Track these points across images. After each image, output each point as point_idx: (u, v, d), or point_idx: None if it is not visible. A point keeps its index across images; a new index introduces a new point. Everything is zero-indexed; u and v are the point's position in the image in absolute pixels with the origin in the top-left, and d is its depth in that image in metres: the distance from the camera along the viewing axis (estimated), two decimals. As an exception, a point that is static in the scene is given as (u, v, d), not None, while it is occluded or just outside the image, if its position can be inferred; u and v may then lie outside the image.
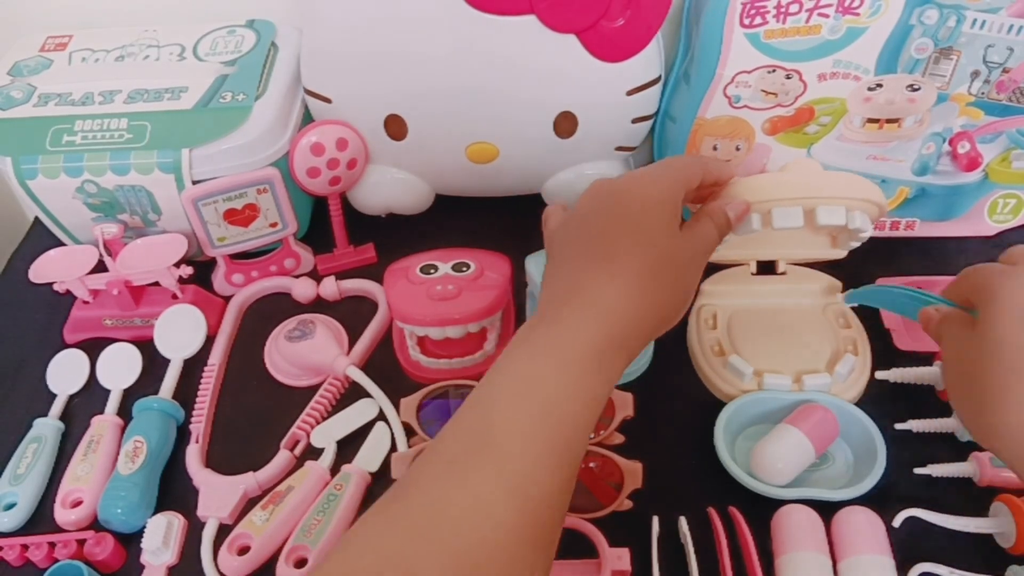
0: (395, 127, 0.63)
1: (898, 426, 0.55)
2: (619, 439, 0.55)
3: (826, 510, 0.49)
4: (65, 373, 0.62)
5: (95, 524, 0.53)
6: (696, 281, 0.45)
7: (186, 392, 0.60)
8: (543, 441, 0.37)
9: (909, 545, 0.49)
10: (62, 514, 0.53)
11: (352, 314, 0.65)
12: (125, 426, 0.58)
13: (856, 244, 0.59)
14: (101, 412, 0.59)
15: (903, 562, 0.47)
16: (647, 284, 0.41)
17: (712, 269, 0.64)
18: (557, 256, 0.45)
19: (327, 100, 0.63)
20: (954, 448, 0.54)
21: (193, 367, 0.61)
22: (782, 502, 0.50)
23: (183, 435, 0.58)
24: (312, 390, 0.59)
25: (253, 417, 0.59)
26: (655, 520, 0.50)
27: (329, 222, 0.68)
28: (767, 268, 0.63)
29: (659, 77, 0.61)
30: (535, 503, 0.36)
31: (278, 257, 0.67)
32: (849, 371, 0.56)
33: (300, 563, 0.50)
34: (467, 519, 0.34)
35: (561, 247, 0.45)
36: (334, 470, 0.55)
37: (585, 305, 0.40)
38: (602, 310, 0.40)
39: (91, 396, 0.61)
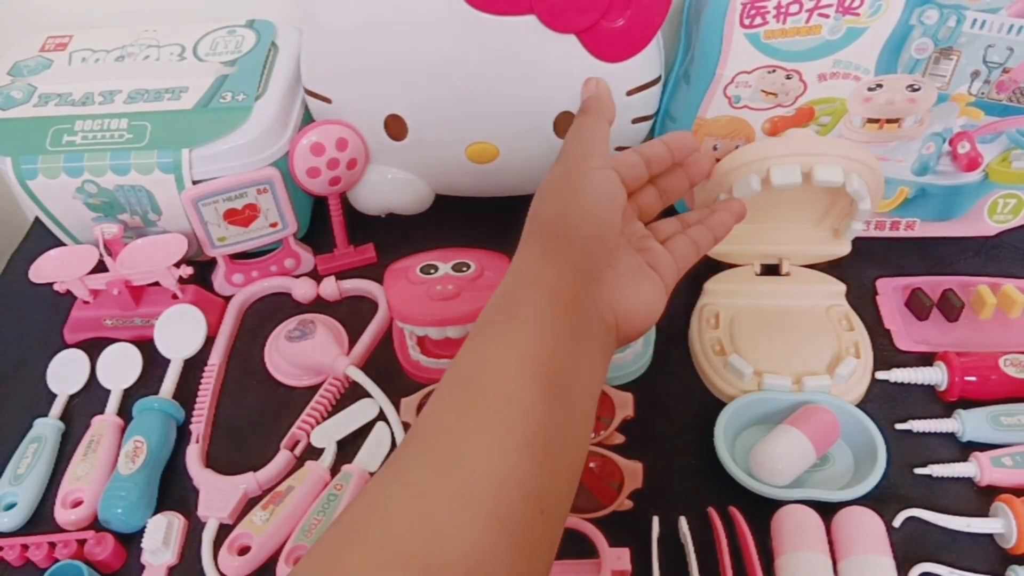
0: (395, 127, 0.63)
1: (898, 426, 0.55)
2: (619, 439, 0.55)
3: (826, 510, 0.49)
4: (65, 373, 0.62)
5: (95, 524, 0.53)
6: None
7: (186, 392, 0.60)
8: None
9: (909, 545, 0.49)
10: (62, 514, 0.53)
11: (352, 314, 0.65)
12: (125, 426, 0.58)
13: (859, 228, 0.60)
14: (101, 412, 0.59)
15: (903, 562, 0.47)
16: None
17: (716, 268, 0.64)
18: None
19: (327, 100, 0.63)
20: (954, 448, 0.54)
21: (193, 367, 0.61)
22: (782, 502, 0.50)
23: (183, 435, 0.58)
24: (312, 390, 0.59)
25: (253, 417, 0.59)
26: (655, 520, 0.50)
27: (329, 222, 0.68)
28: (771, 270, 0.63)
29: (659, 77, 0.61)
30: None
31: (278, 257, 0.67)
32: (850, 374, 0.56)
33: (300, 563, 0.50)
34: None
35: None
36: (334, 470, 0.55)
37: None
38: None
39: (91, 396, 0.61)
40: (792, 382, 0.56)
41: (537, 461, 0.35)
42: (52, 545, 0.51)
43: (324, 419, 0.58)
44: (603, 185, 0.43)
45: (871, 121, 0.59)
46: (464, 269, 0.59)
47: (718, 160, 0.60)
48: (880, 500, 0.50)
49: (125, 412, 0.59)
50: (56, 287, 0.62)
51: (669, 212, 0.52)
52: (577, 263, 0.41)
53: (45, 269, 0.62)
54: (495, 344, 0.38)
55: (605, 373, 0.41)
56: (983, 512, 0.50)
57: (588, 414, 0.40)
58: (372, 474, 0.54)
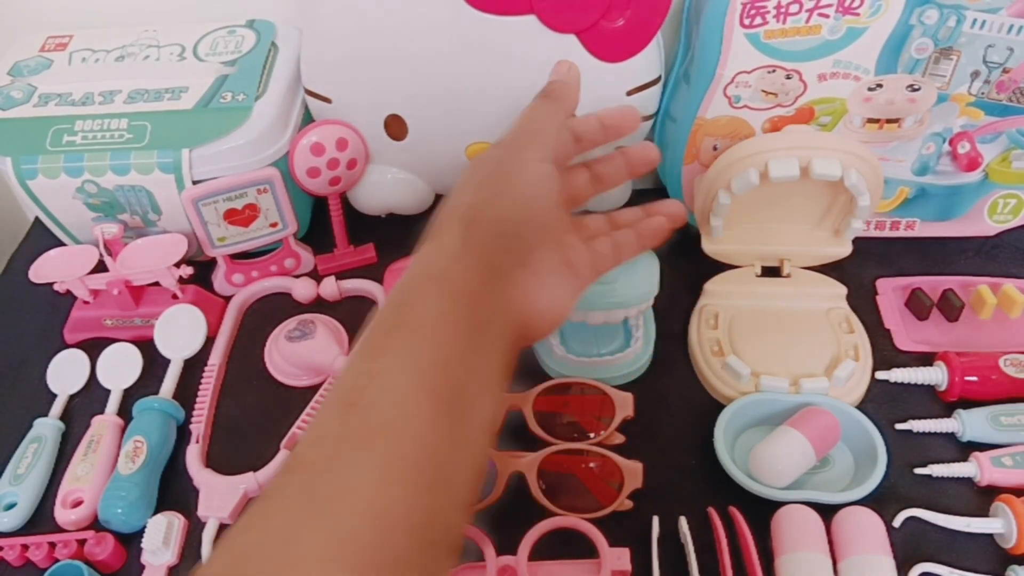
0: (395, 127, 0.63)
1: (898, 426, 0.55)
2: (619, 439, 0.55)
3: (826, 510, 0.49)
4: (65, 373, 0.62)
5: (95, 524, 0.53)
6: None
7: (186, 392, 0.60)
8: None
9: (909, 545, 0.49)
10: (62, 514, 0.53)
11: (352, 314, 0.64)
12: (125, 426, 0.58)
13: (859, 227, 0.60)
14: (101, 412, 0.59)
15: (903, 562, 0.47)
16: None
17: (717, 269, 0.64)
18: None
19: (327, 100, 0.63)
20: (954, 448, 0.54)
21: (193, 367, 0.61)
22: (782, 503, 0.50)
23: (183, 435, 0.58)
24: (312, 390, 0.59)
25: (253, 417, 0.59)
26: (655, 520, 0.50)
27: (329, 222, 0.68)
28: (772, 273, 0.63)
29: (659, 77, 0.61)
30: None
31: (278, 257, 0.67)
32: (848, 376, 0.56)
33: (300, 563, 0.50)
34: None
35: None
36: (334, 470, 0.55)
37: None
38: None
39: (91, 396, 0.61)
40: (790, 384, 0.55)
41: (427, 489, 0.31)
42: (52, 545, 0.51)
43: (324, 419, 0.58)
44: (539, 179, 0.40)
45: (871, 121, 0.59)
46: (464, 269, 0.58)
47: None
48: (880, 500, 0.50)
49: (125, 412, 0.59)
50: (56, 287, 0.62)
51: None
52: (491, 258, 0.38)
53: (45, 269, 0.62)
54: (386, 353, 0.34)
55: (509, 379, 0.38)
56: (983, 512, 0.50)
57: (488, 425, 0.36)
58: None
